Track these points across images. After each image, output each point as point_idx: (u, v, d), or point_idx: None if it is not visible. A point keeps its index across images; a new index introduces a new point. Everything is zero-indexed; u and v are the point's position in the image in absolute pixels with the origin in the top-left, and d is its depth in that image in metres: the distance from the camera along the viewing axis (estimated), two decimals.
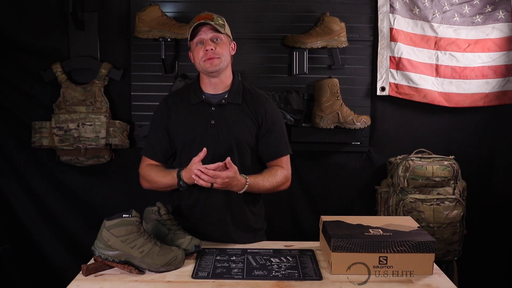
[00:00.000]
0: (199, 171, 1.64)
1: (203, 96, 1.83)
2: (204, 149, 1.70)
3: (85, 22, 2.56)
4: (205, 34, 1.76)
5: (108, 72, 2.57)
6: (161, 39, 2.45)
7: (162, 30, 2.43)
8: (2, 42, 2.56)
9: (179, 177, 1.75)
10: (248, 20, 2.56)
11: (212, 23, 1.75)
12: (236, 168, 1.68)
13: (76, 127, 2.49)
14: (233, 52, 1.87)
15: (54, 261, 2.70)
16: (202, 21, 1.74)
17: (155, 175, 1.84)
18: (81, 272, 1.51)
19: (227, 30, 1.83)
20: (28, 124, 2.55)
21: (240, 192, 1.75)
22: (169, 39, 2.47)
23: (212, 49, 1.75)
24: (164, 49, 2.48)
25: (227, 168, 1.67)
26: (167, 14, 2.52)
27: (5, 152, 2.65)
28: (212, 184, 1.65)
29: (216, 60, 1.76)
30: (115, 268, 1.52)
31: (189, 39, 1.80)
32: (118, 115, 2.63)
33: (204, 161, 1.79)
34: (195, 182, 1.67)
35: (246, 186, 1.73)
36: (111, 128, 2.53)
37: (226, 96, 1.83)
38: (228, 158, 1.67)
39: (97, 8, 2.58)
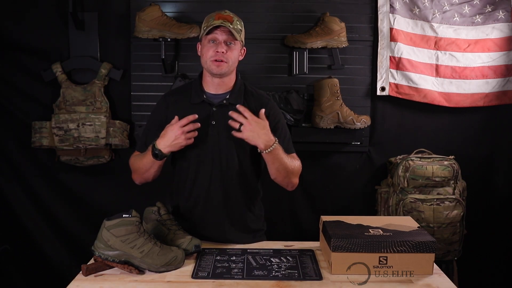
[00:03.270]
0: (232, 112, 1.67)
1: (204, 96, 1.82)
2: (176, 117, 1.69)
3: (85, 22, 2.56)
4: (221, 35, 1.74)
5: (108, 72, 2.57)
6: (161, 39, 2.45)
7: (162, 30, 2.43)
8: (2, 42, 2.56)
9: (153, 146, 1.71)
10: (248, 20, 2.53)
11: (231, 26, 1.72)
12: (268, 123, 1.70)
13: (76, 127, 2.49)
14: (241, 58, 1.85)
15: (54, 261, 2.70)
16: (222, 21, 1.72)
17: (138, 160, 1.83)
18: (81, 272, 1.51)
19: (243, 36, 1.81)
20: (28, 124, 2.55)
21: (266, 150, 1.69)
22: (169, 39, 2.46)
23: (223, 52, 1.73)
24: (164, 49, 2.48)
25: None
26: (167, 14, 2.51)
27: (5, 152, 2.65)
28: (239, 127, 1.66)
29: (224, 64, 1.75)
30: (115, 268, 1.52)
31: (202, 32, 1.77)
32: (118, 115, 2.62)
33: (204, 163, 1.80)
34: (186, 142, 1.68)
35: (274, 144, 1.70)
36: (111, 128, 2.53)
37: (227, 96, 1.82)
38: (263, 110, 1.71)
39: (97, 8, 2.58)
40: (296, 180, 1.86)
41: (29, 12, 2.56)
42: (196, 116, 1.69)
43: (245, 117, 1.68)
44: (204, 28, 1.76)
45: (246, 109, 1.69)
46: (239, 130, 1.68)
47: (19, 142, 2.63)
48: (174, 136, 1.68)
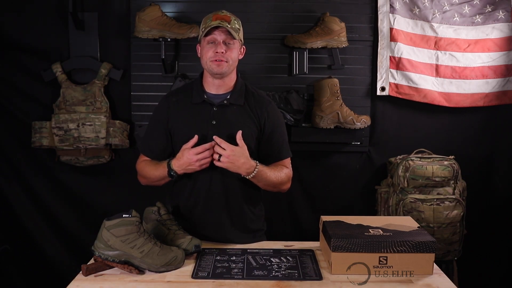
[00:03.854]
0: (202, 148, 1.67)
1: (205, 96, 1.83)
2: (196, 136, 1.71)
3: (85, 22, 2.56)
4: (219, 35, 1.74)
5: (108, 72, 2.57)
6: (161, 39, 2.45)
7: (162, 30, 2.43)
8: (2, 42, 2.56)
9: (169, 166, 1.75)
10: (248, 20, 2.56)
11: (229, 26, 1.72)
12: (245, 146, 1.70)
13: (76, 127, 2.49)
14: (241, 57, 1.85)
15: (54, 261, 2.71)
16: (219, 22, 1.72)
17: (148, 169, 1.85)
18: (81, 272, 1.51)
19: (241, 34, 1.81)
20: (28, 124, 2.55)
21: (249, 176, 1.73)
22: (169, 39, 2.46)
23: (222, 52, 1.74)
24: (164, 49, 2.48)
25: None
26: (167, 14, 2.51)
27: (5, 152, 2.65)
28: (219, 158, 1.67)
29: (224, 63, 1.75)
30: (115, 268, 1.52)
31: (201, 34, 1.78)
32: (118, 115, 2.63)
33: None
34: (191, 167, 1.70)
35: (256, 170, 1.72)
36: (111, 128, 2.53)
37: (228, 97, 1.82)
38: (239, 133, 1.70)
39: (97, 8, 2.58)
40: (286, 187, 1.88)
41: (29, 12, 2.56)
42: (213, 143, 1.70)
43: (223, 149, 1.67)
44: (202, 30, 1.76)
45: (222, 140, 1.68)
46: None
47: (19, 142, 2.63)
48: (188, 162, 1.70)
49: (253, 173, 1.73)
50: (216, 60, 1.74)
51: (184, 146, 1.72)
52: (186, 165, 1.71)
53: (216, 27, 1.73)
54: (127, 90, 2.62)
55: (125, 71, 2.61)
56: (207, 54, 1.76)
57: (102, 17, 2.59)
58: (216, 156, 1.69)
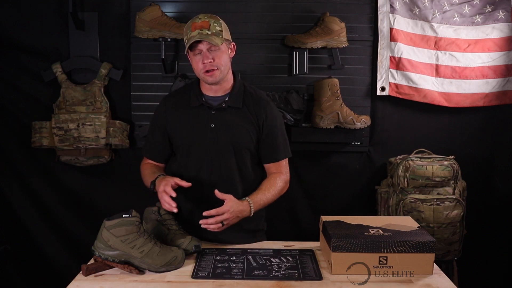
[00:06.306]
0: (205, 223, 1.64)
1: (203, 99, 1.82)
2: (190, 184, 1.71)
3: (85, 22, 2.56)
4: (203, 45, 1.72)
5: (108, 72, 2.57)
6: (161, 39, 2.45)
7: (162, 30, 2.43)
8: (2, 42, 2.56)
9: (153, 182, 1.76)
10: (248, 20, 2.56)
11: (209, 33, 1.69)
12: (230, 195, 1.68)
13: (76, 127, 2.49)
14: (232, 54, 1.82)
15: (54, 261, 2.70)
16: (199, 31, 1.68)
17: (144, 174, 1.88)
18: (81, 272, 1.51)
19: (226, 34, 1.77)
20: (28, 124, 2.55)
21: (251, 214, 1.74)
22: (169, 39, 2.46)
23: (210, 62, 1.72)
24: (164, 49, 2.48)
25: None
26: (167, 14, 2.51)
27: (5, 152, 2.65)
28: (222, 223, 1.66)
29: (215, 72, 1.74)
30: (115, 268, 1.52)
31: (186, 46, 1.74)
32: (118, 115, 2.62)
33: (204, 165, 1.81)
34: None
35: (251, 204, 1.72)
36: (111, 128, 2.53)
37: (226, 99, 1.82)
38: (216, 191, 1.67)
39: (97, 8, 2.58)
40: (284, 191, 1.88)
41: (29, 12, 2.55)
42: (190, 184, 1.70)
43: (221, 213, 1.65)
44: (185, 42, 1.74)
45: (212, 210, 1.65)
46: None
47: (19, 142, 2.63)
48: (159, 189, 1.69)
49: (252, 209, 1.73)
50: (207, 72, 1.73)
51: (175, 181, 1.69)
52: (159, 191, 1.70)
53: (198, 41, 1.70)
54: (127, 90, 2.62)
55: (125, 71, 2.61)
56: (197, 66, 1.75)
57: (102, 17, 2.58)
58: (219, 226, 1.66)
